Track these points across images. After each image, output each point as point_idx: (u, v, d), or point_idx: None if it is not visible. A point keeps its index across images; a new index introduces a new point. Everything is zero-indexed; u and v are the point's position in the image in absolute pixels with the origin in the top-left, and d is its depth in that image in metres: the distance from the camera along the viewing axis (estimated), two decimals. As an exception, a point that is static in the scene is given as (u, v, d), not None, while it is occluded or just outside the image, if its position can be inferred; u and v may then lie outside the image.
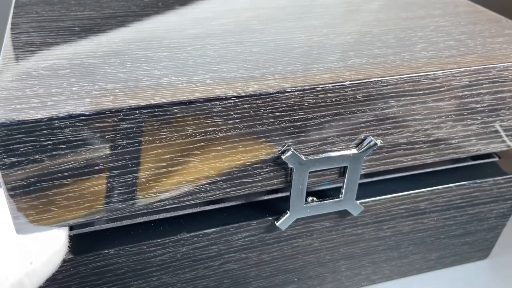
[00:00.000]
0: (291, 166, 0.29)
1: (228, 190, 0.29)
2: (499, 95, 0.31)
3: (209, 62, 0.29)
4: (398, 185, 0.35)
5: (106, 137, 0.25)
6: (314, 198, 0.33)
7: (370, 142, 0.30)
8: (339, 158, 0.30)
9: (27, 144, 0.24)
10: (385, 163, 0.32)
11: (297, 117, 0.28)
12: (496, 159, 0.38)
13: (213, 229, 0.31)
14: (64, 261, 0.29)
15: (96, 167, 0.26)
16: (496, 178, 0.36)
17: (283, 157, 0.29)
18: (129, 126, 0.25)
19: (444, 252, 0.40)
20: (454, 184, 0.35)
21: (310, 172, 0.30)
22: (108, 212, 0.27)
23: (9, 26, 0.33)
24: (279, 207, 0.32)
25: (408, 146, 0.31)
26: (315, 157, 0.29)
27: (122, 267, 0.30)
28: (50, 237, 0.27)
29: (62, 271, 0.29)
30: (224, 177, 0.28)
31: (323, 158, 0.30)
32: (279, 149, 0.29)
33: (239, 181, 0.29)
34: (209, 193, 0.29)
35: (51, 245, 0.27)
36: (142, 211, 0.28)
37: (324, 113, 0.28)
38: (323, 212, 0.32)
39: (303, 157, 0.29)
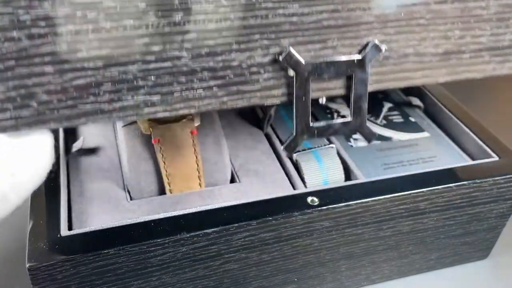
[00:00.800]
0: (291, 75, 0.28)
1: (225, 99, 0.28)
2: (504, 1, 0.30)
3: None
4: (398, 185, 0.35)
5: (88, 16, 0.23)
6: (315, 198, 0.33)
7: (373, 45, 0.29)
8: (342, 63, 0.29)
9: (4, 17, 0.22)
10: (394, 78, 0.30)
11: (292, 11, 0.27)
12: (496, 158, 0.38)
13: (213, 229, 0.31)
14: (64, 260, 0.29)
15: (79, 55, 0.24)
16: (496, 178, 0.36)
17: (280, 58, 0.27)
18: (112, 5, 0.24)
19: (444, 252, 0.40)
20: (454, 184, 0.35)
21: (313, 82, 0.29)
22: (93, 115, 0.26)
23: None
24: (279, 207, 0.32)
25: (417, 58, 0.30)
26: (316, 61, 0.28)
27: (122, 267, 0.30)
28: (33, 145, 0.25)
29: (62, 270, 0.29)
30: (219, 81, 0.27)
31: (324, 62, 0.28)
32: (276, 50, 0.27)
33: (236, 88, 0.28)
34: (204, 101, 0.27)
35: (34, 154, 0.25)
36: (131, 115, 0.26)
37: (320, 8, 0.27)
38: (331, 134, 0.31)
39: (302, 60, 0.28)
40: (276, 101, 0.29)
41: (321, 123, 0.30)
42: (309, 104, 0.29)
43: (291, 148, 0.30)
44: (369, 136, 0.32)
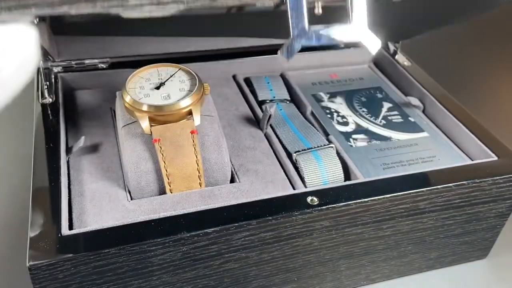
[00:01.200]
0: None
1: None
2: None
3: None
4: (397, 185, 0.35)
5: None
6: (314, 198, 0.33)
7: None
8: None
9: None
10: None
11: None
12: (495, 158, 0.39)
13: (213, 229, 0.31)
14: (64, 259, 0.29)
15: None
16: (495, 178, 0.36)
17: None
18: None
19: (443, 251, 0.40)
20: (453, 184, 0.35)
21: None
22: (77, 3, 0.24)
23: None
24: (279, 207, 0.32)
25: None
26: None
27: (123, 266, 0.30)
28: (17, 38, 0.24)
29: (63, 270, 0.29)
30: None
31: None
32: None
33: None
34: None
35: (20, 49, 0.24)
36: (116, 6, 0.25)
37: None
38: (331, 41, 0.29)
39: None
40: (269, 0, 0.27)
41: (319, 26, 0.28)
42: (303, 3, 0.27)
43: (288, 53, 0.29)
44: (372, 45, 0.30)
